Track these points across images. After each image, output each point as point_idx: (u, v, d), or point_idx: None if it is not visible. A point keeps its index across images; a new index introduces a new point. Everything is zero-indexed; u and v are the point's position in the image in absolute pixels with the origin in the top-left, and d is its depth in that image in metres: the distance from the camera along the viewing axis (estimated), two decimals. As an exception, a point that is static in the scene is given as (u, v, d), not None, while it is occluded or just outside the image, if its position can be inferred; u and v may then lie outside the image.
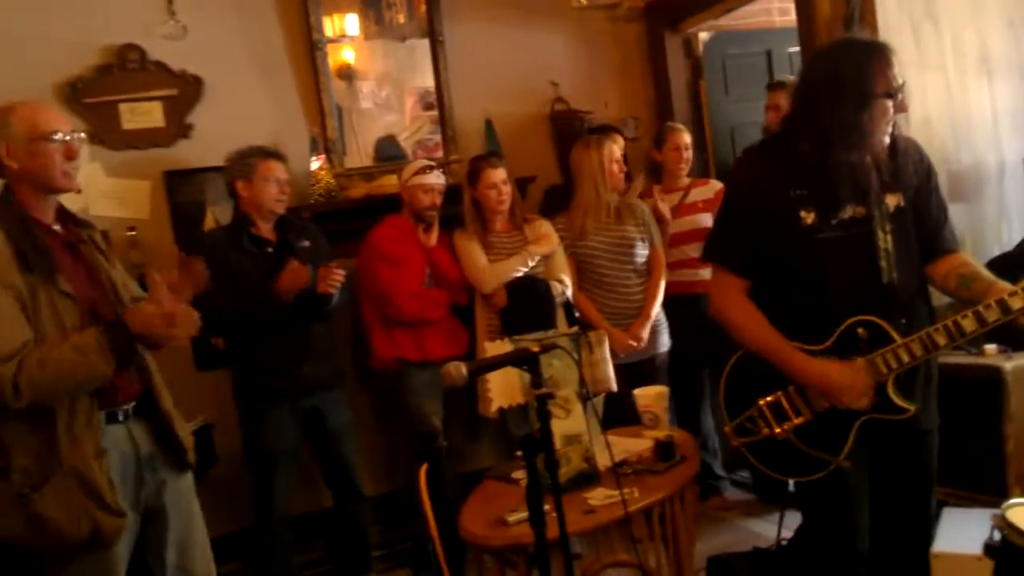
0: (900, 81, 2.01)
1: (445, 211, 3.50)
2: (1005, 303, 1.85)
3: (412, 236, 3.43)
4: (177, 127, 3.64)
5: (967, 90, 3.42)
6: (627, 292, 3.55)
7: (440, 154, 4.03)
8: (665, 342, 3.64)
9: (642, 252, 3.55)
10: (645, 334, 3.51)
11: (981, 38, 3.44)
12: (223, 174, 3.27)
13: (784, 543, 2.83)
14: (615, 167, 3.58)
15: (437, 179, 3.46)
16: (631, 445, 2.72)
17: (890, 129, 2.05)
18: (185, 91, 3.65)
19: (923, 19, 3.32)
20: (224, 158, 3.23)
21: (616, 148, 3.61)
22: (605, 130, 3.91)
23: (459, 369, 1.81)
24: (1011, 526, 1.54)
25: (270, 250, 3.16)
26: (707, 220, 3.66)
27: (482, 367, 2.02)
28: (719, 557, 2.82)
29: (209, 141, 3.57)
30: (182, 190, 3.64)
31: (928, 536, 2.24)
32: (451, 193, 3.55)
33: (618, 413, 3.07)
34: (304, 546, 3.52)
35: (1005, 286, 1.93)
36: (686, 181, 3.92)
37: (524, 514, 1.95)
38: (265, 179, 3.13)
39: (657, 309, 3.58)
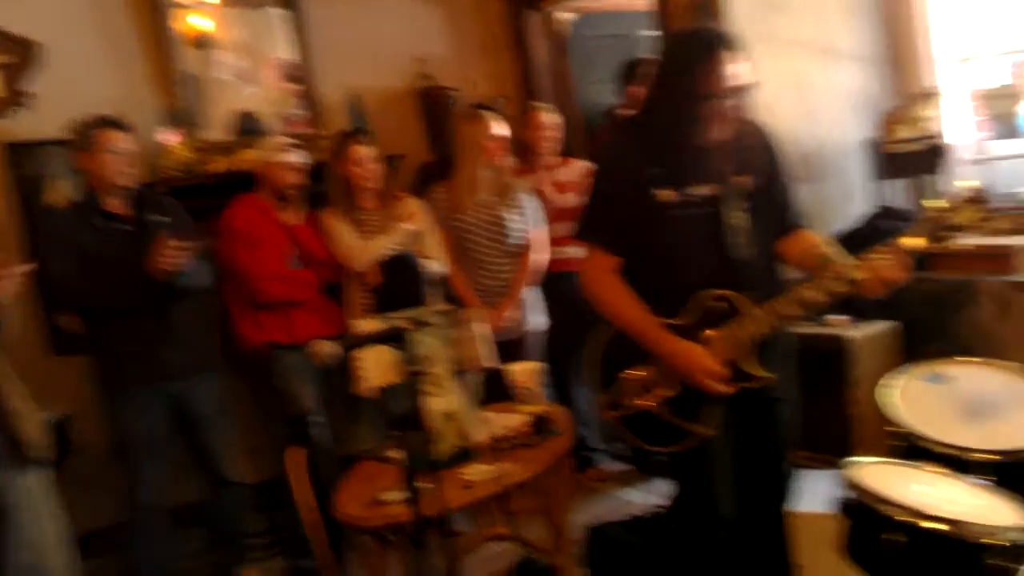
0: (738, 82, 2.05)
1: (309, 189, 3.41)
2: (848, 274, 1.97)
3: (271, 215, 3.32)
4: (16, 96, 3.38)
5: (813, 75, 3.63)
6: (498, 271, 3.55)
7: (304, 130, 3.92)
8: (538, 320, 3.69)
9: (518, 232, 3.57)
10: (512, 314, 3.54)
11: (825, 27, 3.66)
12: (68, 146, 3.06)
13: (660, 510, 2.94)
14: (494, 144, 3.56)
15: (300, 157, 3.36)
16: (507, 420, 2.75)
17: (731, 118, 2.12)
18: (23, 57, 3.38)
19: (771, 7, 3.49)
20: (65, 129, 3.02)
21: (497, 124, 3.59)
22: (481, 106, 3.91)
23: (328, 348, 1.78)
24: (859, 483, 1.66)
25: (125, 227, 2.98)
26: (574, 200, 3.72)
27: (352, 344, 2.00)
28: (597, 526, 2.90)
29: (51, 111, 3.32)
30: (26, 163, 3.39)
31: (785, 497, 2.39)
32: (316, 171, 3.46)
33: (497, 390, 3.10)
34: (184, 536, 3.38)
35: (849, 259, 2.07)
36: (553, 161, 3.97)
37: (400, 493, 1.95)
38: (106, 150, 2.92)
39: (526, 289, 3.61)
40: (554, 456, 2.53)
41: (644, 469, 3.76)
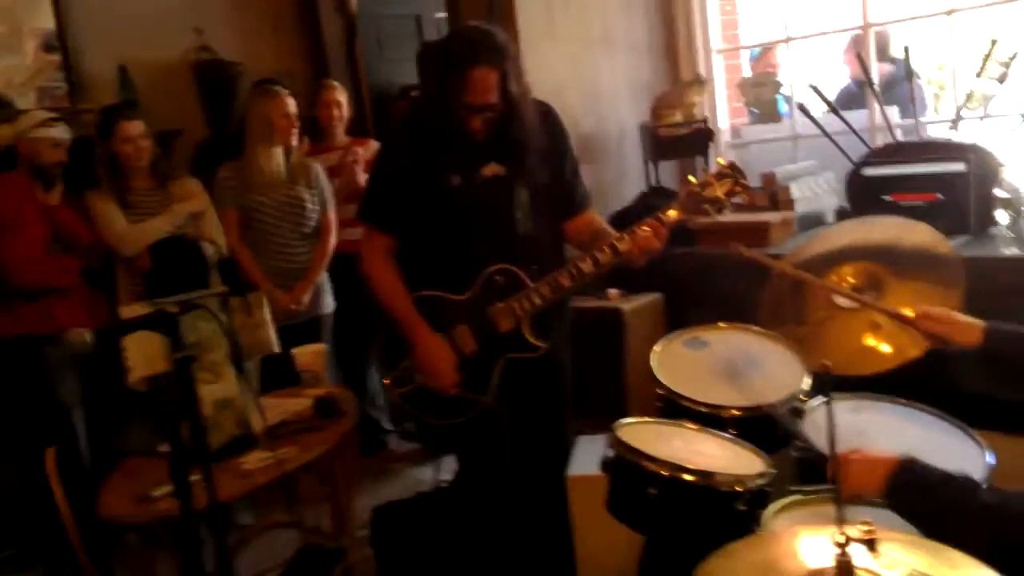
0: (486, 96, 2.08)
1: (70, 167, 3.14)
2: (615, 246, 2.09)
3: (29, 195, 3.04)
4: None
5: (593, 63, 3.78)
6: (292, 253, 3.44)
7: (66, 104, 3.60)
8: (328, 303, 3.61)
9: (312, 214, 3.46)
10: (307, 298, 3.45)
11: (604, 17, 3.82)
12: None
13: (444, 484, 2.97)
14: (287, 122, 3.40)
15: (63, 132, 3.08)
16: (291, 405, 2.67)
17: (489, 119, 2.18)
18: None
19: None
20: None
21: (288, 102, 3.44)
22: (273, 82, 3.74)
23: (82, 336, 1.64)
24: (620, 441, 1.74)
25: None
26: (364, 179, 3.67)
27: (112, 332, 1.86)
28: (383, 506, 2.89)
29: None
30: None
31: (564, 461, 2.49)
32: (78, 147, 3.18)
33: (283, 374, 3.00)
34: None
35: (616, 233, 2.19)
36: (344, 140, 3.88)
37: (169, 487, 1.84)
38: None
39: (323, 272, 3.53)
40: (337, 439, 2.49)
41: (432, 446, 3.79)
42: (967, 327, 1.72)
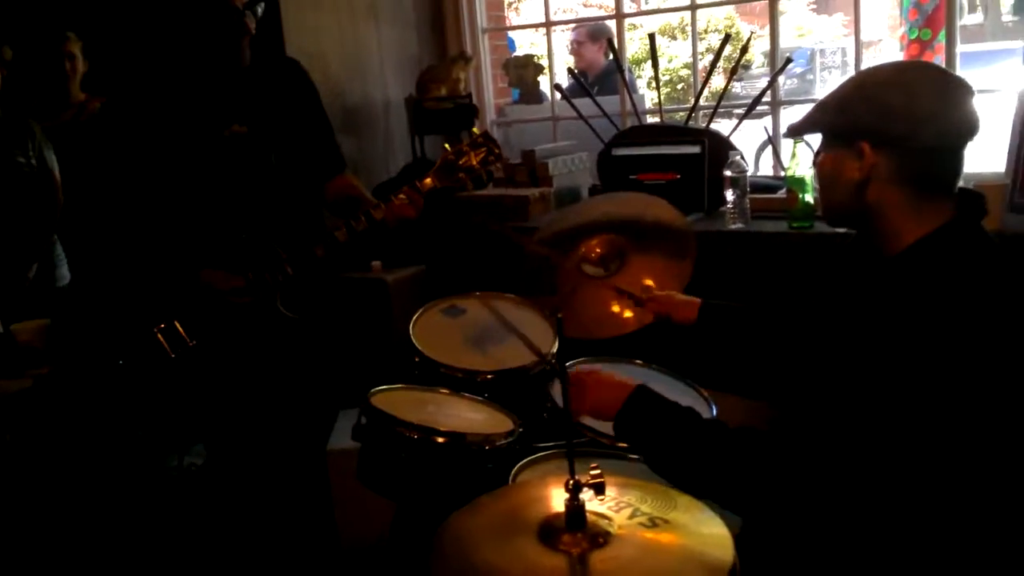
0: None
1: None
2: (371, 214, 2.07)
3: None
4: None
5: (358, 32, 3.71)
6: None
7: None
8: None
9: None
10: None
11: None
12: None
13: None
14: None
15: None
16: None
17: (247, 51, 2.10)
18: None
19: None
20: None
21: None
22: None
23: None
24: (371, 408, 1.73)
25: None
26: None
27: None
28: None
29: None
30: None
31: (325, 435, 2.45)
32: None
33: None
34: None
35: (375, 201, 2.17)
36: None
37: None
38: None
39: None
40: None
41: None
42: (685, 305, 1.91)
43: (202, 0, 1.96)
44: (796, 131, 1.52)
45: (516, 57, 4.13)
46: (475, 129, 2.20)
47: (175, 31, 2.05)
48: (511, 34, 5.24)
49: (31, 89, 3.39)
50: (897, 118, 1.34)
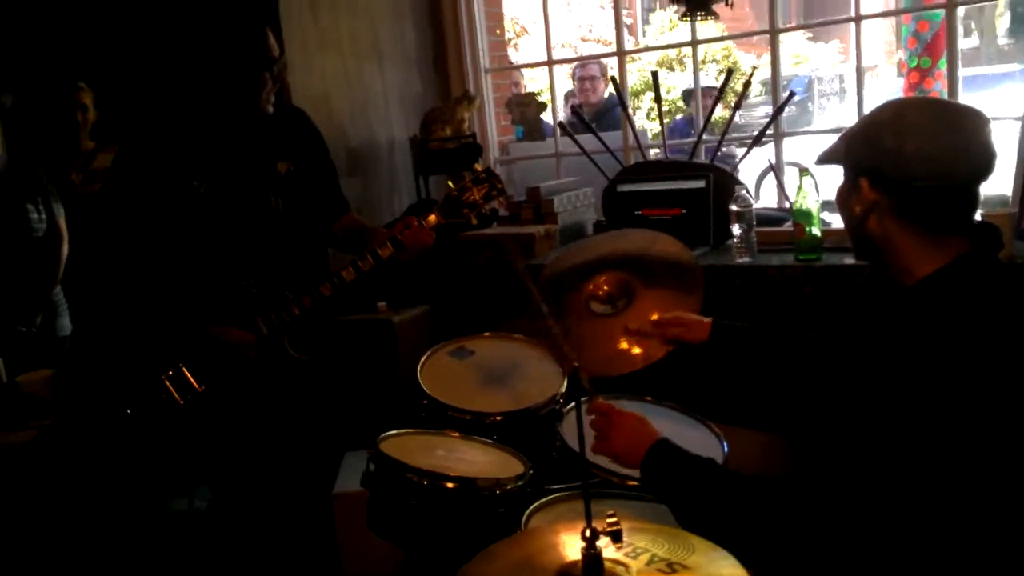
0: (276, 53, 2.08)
1: None
2: (376, 253, 2.06)
3: None
4: None
5: (362, 73, 3.73)
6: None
7: None
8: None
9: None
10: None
11: (372, 26, 3.79)
12: None
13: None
14: None
15: None
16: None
17: (272, 99, 2.12)
18: None
19: (321, 4, 3.52)
20: None
21: None
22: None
23: None
24: (380, 455, 1.71)
25: None
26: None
27: None
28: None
29: None
30: None
31: (331, 479, 2.42)
32: None
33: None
34: None
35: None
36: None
37: None
38: None
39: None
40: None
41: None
42: (696, 325, 1.88)
43: (240, 52, 1.99)
44: (821, 160, 1.52)
45: (518, 95, 4.15)
46: (477, 165, 2.20)
47: (201, 80, 2.06)
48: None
49: (41, 138, 3.42)
50: (888, 160, 1.34)
